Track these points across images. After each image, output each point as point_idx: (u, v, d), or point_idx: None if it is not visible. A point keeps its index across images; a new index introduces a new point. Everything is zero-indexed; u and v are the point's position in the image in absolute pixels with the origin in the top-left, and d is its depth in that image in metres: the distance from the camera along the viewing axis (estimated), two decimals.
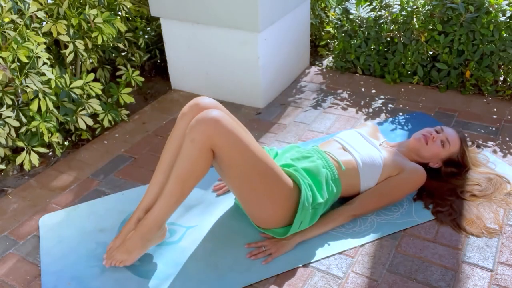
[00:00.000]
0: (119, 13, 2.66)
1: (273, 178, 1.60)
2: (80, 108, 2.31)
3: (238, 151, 1.54)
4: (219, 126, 1.50)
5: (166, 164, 1.67)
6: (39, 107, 2.09)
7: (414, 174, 1.82)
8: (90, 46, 2.41)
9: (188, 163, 1.52)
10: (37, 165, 2.13)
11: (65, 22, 2.27)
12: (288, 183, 1.64)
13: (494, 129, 2.34)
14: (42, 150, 2.16)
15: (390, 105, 2.61)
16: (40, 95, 2.09)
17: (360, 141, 1.91)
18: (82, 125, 2.32)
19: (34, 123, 2.08)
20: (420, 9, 2.66)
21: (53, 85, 2.15)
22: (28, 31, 2.08)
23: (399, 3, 2.72)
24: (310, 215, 1.66)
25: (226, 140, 1.51)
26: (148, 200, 1.66)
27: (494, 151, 2.17)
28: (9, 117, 2.05)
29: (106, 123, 2.46)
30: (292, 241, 1.68)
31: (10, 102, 2.04)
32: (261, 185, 1.59)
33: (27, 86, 2.03)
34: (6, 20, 2.04)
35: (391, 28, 2.75)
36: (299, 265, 1.63)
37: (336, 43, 3.10)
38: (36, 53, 2.05)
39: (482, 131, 2.33)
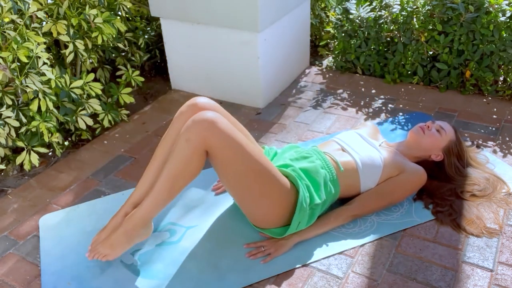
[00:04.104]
0: (119, 13, 2.66)
1: (268, 178, 1.60)
2: (80, 108, 2.31)
3: (233, 152, 1.54)
4: (214, 128, 1.51)
5: (159, 162, 1.68)
6: (39, 107, 2.09)
7: (415, 175, 1.82)
8: (90, 46, 2.41)
9: (181, 163, 1.53)
10: (37, 165, 2.13)
11: (65, 22, 2.27)
12: (284, 184, 1.64)
13: (494, 129, 2.34)
14: (42, 150, 2.16)
15: (390, 105, 2.61)
16: (40, 95, 2.09)
17: (359, 142, 1.90)
18: (82, 125, 2.32)
19: (34, 123, 2.08)
20: (420, 9, 2.66)
21: (53, 85, 2.15)
22: (28, 31, 2.08)
23: (399, 3, 2.72)
24: (308, 215, 1.67)
25: (221, 141, 1.52)
26: (137, 195, 1.66)
27: (494, 151, 2.17)
28: (9, 117, 2.05)
29: (106, 123, 2.46)
30: (291, 241, 1.68)
31: (10, 102, 2.04)
32: (256, 185, 1.60)
33: (27, 86, 2.03)
34: (6, 20, 2.04)
35: (391, 28, 2.75)
36: (299, 265, 1.63)
37: (336, 43, 3.09)
38: (36, 53, 2.05)
39: (482, 131, 2.33)
